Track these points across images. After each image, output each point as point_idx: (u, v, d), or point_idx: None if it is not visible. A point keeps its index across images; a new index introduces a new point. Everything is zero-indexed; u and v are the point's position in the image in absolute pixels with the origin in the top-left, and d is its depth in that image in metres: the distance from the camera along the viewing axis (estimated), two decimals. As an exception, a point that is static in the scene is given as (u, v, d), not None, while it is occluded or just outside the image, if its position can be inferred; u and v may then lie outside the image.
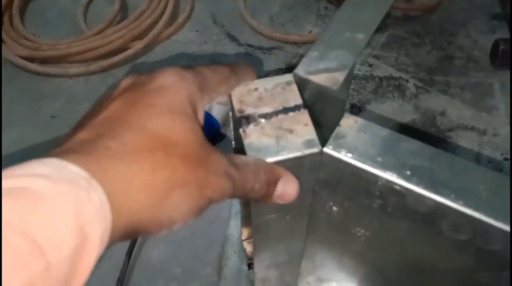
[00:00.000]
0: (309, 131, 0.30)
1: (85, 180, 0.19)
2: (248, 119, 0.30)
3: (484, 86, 0.70)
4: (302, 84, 0.32)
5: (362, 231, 0.34)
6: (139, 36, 0.75)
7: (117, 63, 0.73)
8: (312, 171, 0.30)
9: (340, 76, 0.33)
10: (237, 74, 0.31)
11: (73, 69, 0.73)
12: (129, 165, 0.22)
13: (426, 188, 0.27)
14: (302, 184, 0.32)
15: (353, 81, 0.69)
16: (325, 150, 0.29)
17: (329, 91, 0.32)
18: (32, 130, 0.66)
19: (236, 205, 0.57)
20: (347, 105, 0.63)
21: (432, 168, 0.28)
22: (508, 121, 0.66)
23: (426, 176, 0.28)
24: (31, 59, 0.74)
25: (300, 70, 0.33)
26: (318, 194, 0.33)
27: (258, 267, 0.45)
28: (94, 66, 0.73)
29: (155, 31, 0.75)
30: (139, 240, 0.56)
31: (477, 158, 0.61)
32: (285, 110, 0.31)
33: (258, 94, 0.32)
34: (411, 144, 0.29)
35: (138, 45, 0.74)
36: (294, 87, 0.32)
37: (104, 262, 0.55)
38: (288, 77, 0.33)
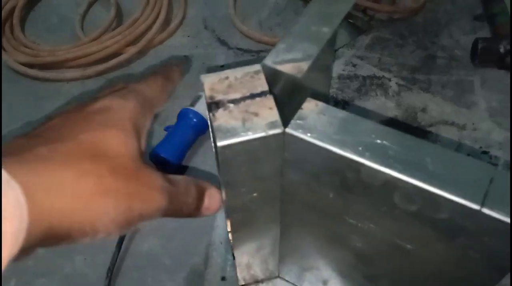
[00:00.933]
0: (273, 114, 0.32)
1: (4, 179, 0.20)
2: (218, 104, 0.33)
3: (465, 84, 0.72)
4: (269, 74, 0.35)
5: (330, 209, 0.36)
6: (133, 42, 0.79)
7: (111, 68, 0.76)
8: (278, 151, 0.33)
9: (305, 65, 0.35)
10: (170, 80, 0.33)
11: (70, 73, 0.76)
12: (55, 170, 0.22)
13: (377, 162, 0.30)
14: (271, 165, 0.35)
15: (337, 80, 0.72)
16: (287, 130, 0.32)
17: (294, 79, 0.35)
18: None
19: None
20: (331, 104, 0.66)
21: (384, 144, 0.30)
22: (487, 115, 0.68)
23: (378, 151, 0.30)
24: (31, 65, 0.77)
25: (268, 61, 0.36)
26: (286, 175, 0.35)
27: (238, 253, 0.47)
28: (90, 70, 0.76)
29: (148, 36, 0.78)
30: (128, 234, 0.59)
31: (457, 151, 0.63)
32: (252, 96, 0.34)
33: (228, 82, 0.35)
34: (366, 124, 0.32)
35: (132, 50, 0.77)
36: (262, 76, 0.35)
37: (96, 256, 0.58)
38: (257, 67, 0.36)
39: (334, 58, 0.48)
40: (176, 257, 0.57)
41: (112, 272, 0.55)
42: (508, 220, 0.27)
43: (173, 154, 0.62)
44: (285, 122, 0.32)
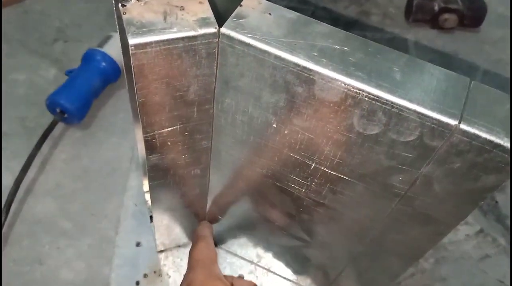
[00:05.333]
0: (204, 9, 0.25)
1: None
2: (130, -6, 0.25)
3: (399, 41, 0.70)
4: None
5: (270, 143, 0.30)
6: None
7: (3, 3, 0.63)
8: (208, 61, 0.26)
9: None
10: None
11: None
12: None
13: (336, 69, 0.23)
14: (198, 81, 0.27)
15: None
16: (223, 30, 0.24)
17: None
18: None
19: (137, 155, 0.51)
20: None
21: (344, 50, 0.25)
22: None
23: (337, 58, 0.24)
24: None
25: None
26: (219, 100, 0.28)
27: (157, 215, 0.40)
28: (-26, 3, 0.62)
29: (50, -32, 0.66)
30: (19, 195, 0.48)
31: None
32: (177, -12, 0.26)
33: (144, -28, 0.26)
34: (322, 27, 0.26)
35: (29, -18, 0.64)
36: (189, -33, 0.27)
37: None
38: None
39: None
40: (78, 221, 0.48)
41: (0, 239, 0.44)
42: (488, 136, 0.22)
43: (73, 101, 0.51)
44: (220, 22, 0.25)
